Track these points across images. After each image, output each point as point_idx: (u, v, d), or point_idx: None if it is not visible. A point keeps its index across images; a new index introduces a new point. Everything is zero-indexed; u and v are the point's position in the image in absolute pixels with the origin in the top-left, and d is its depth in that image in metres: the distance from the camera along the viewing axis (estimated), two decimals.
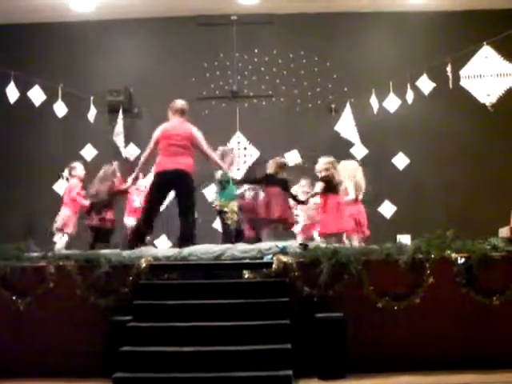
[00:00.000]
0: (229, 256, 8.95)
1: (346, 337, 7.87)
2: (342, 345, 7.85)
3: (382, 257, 8.26)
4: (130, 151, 14.61)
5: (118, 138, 14.44)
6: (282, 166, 11.44)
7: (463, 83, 11.30)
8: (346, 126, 14.16)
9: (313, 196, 11.24)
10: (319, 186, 10.80)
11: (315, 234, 11.94)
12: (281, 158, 12.04)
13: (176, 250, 9.28)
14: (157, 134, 10.27)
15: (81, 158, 13.05)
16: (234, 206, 11.40)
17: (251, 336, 7.51)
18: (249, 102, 15.14)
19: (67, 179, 12.97)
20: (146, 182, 12.50)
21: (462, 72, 11.28)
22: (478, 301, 8.10)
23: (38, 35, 14.88)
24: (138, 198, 12.76)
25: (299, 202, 11.55)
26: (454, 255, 8.21)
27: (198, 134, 10.27)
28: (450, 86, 12.02)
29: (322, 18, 14.89)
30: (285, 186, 11.22)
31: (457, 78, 11.66)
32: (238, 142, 14.76)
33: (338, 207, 10.66)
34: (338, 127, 14.22)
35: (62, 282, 8.45)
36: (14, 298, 8.48)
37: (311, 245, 8.94)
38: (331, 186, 10.68)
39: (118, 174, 12.26)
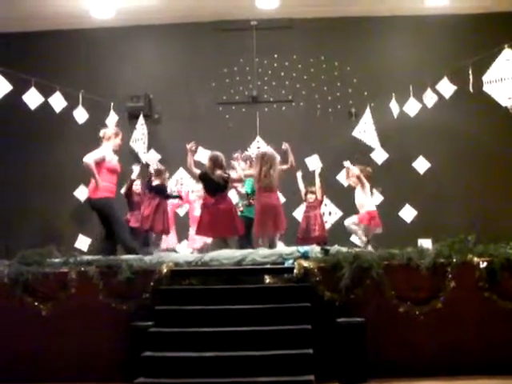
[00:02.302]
0: (250, 261, 8.95)
1: (367, 342, 7.86)
2: (363, 350, 7.84)
3: (404, 261, 8.24)
4: (150, 157, 14.64)
5: (137, 143, 14.49)
6: (159, 174, 12.43)
7: (486, 89, 11.18)
8: (366, 130, 14.11)
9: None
10: None
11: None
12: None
13: (197, 256, 9.31)
14: None
15: None
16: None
17: (273, 341, 7.51)
18: (269, 107, 15.13)
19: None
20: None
21: (485, 77, 11.16)
22: (500, 305, 8.06)
23: (58, 42, 14.96)
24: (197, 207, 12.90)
25: (168, 197, 12.67)
26: (476, 259, 8.17)
27: (95, 153, 10.65)
28: (471, 89, 11.96)
29: (341, 23, 14.85)
30: (161, 192, 12.24)
31: (477, 81, 11.60)
32: (258, 147, 14.72)
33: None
34: (355, 133, 14.16)
35: (83, 288, 8.50)
36: (36, 303, 8.53)
37: (332, 249, 8.92)
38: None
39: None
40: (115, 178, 10.86)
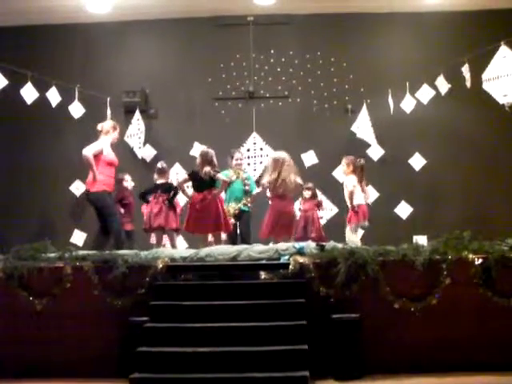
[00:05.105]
0: (245, 257, 8.95)
1: (362, 338, 7.87)
2: (358, 346, 7.86)
3: (399, 258, 8.25)
4: (146, 152, 14.61)
5: (132, 139, 14.46)
6: (162, 172, 12.17)
7: (485, 87, 11.15)
8: (363, 126, 14.13)
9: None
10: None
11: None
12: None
13: (193, 251, 9.30)
14: None
15: None
16: (231, 207, 11.56)
17: (268, 337, 7.52)
18: (265, 103, 15.09)
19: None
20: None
21: (484, 75, 11.14)
22: (495, 302, 8.07)
23: (54, 36, 14.89)
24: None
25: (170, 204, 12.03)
26: (471, 256, 8.17)
27: (94, 146, 10.82)
28: (468, 85, 11.98)
29: (338, 19, 14.81)
30: (168, 190, 11.93)
31: (474, 78, 11.60)
32: (254, 143, 14.71)
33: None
34: (354, 128, 14.20)
35: (78, 283, 8.50)
36: (31, 298, 8.52)
37: (328, 245, 8.92)
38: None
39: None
40: (113, 170, 10.93)
